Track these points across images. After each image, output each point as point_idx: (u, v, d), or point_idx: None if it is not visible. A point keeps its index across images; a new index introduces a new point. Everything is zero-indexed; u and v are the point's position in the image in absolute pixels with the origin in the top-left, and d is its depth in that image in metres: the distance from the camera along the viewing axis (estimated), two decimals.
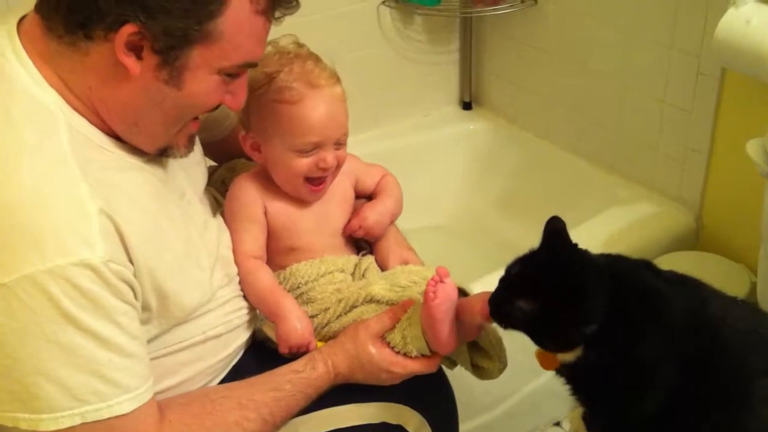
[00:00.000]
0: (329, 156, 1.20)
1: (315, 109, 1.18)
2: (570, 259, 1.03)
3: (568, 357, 1.04)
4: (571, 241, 1.04)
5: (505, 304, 1.03)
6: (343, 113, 1.21)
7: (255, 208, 1.23)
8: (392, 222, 1.34)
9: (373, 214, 1.29)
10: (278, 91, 1.18)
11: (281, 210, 1.25)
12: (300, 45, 1.23)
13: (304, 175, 1.21)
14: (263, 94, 1.19)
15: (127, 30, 0.91)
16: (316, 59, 1.21)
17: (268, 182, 1.25)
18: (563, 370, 1.09)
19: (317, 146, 1.19)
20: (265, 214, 1.24)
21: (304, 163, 1.20)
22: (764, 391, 0.99)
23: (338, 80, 1.21)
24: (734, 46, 1.49)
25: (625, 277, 1.05)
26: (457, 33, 2.41)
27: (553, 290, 1.00)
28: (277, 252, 1.25)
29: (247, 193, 1.24)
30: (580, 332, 0.99)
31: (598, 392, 1.09)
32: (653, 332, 1.04)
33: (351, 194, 1.32)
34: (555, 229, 1.04)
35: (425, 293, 1.09)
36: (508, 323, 1.05)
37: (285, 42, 1.22)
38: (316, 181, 1.23)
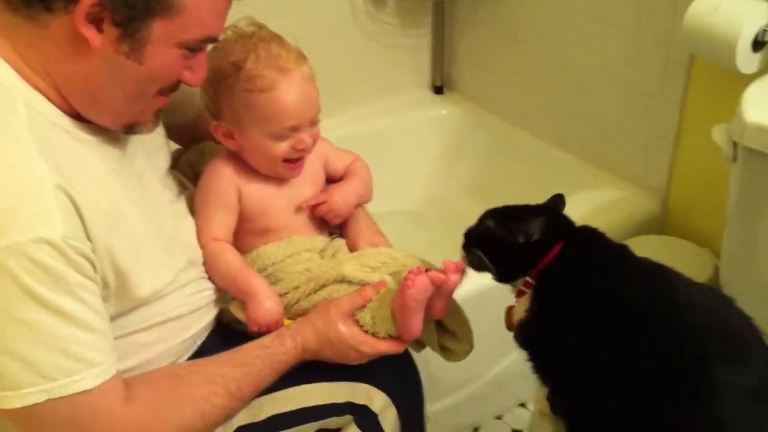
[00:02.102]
0: (306, 137, 1.21)
1: (288, 93, 1.17)
2: (538, 208, 1.19)
3: (520, 310, 1.14)
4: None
5: (473, 228, 1.20)
6: (314, 92, 1.21)
7: (229, 193, 1.23)
8: (359, 205, 1.35)
9: (338, 192, 1.30)
10: (249, 80, 1.17)
11: (255, 193, 1.24)
12: (260, 26, 1.22)
13: (282, 158, 1.21)
14: (233, 84, 1.18)
15: (88, 1, 0.90)
16: (280, 40, 1.21)
17: (242, 165, 1.24)
18: (519, 333, 1.15)
19: (294, 129, 1.20)
20: (240, 198, 1.24)
21: (282, 147, 1.20)
22: (725, 376, 1.00)
23: (305, 59, 1.21)
24: (702, 32, 1.51)
25: (586, 240, 1.16)
26: (429, 16, 2.40)
27: (509, 215, 1.18)
28: (251, 233, 1.25)
29: (222, 178, 1.24)
30: (514, 242, 1.13)
31: (547, 360, 1.14)
32: (598, 307, 1.08)
33: (322, 176, 1.33)
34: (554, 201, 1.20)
35: (403, 280, 1.10)
36: (472, 244, 1.19)
37: (243, 24, 1.21)
38: (295, 161, 1.23)
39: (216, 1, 0.99)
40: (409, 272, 1.10)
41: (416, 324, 1.12)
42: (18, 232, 0.87)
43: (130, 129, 1.06)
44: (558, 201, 1.22)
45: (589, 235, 1.18)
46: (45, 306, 0.90)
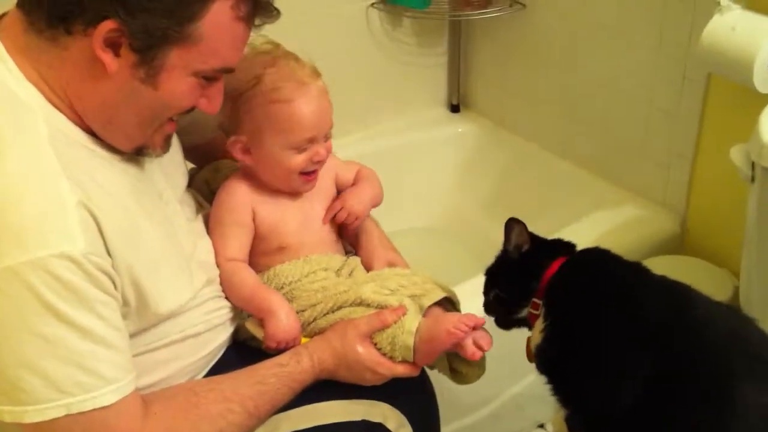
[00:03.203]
0: (322, 149, 1.22)
1: (308, 106, 1.19)
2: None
3: (536, 333, 1.15)
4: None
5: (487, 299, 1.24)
6: (329, 106, 1.23)
7: (244, 213, 1.24)
8: (373, 206, 1.35)
9: (352, 196, 1.31)
10: (270, 92, 1.19)
11: (270, 211, 1.25)
12: (275, 45, 1.24)
13: (299, 171, 1.23)
14: (252, 97, 1.20)
15: (106, 26, 0.92)
16: (295, 57, 1.23)
17: (256, 184, 1.25)
18: (538, 358, 1.16)
19: (311, 141, 1.21)
20: (254, 217, 1.24)
21: (300, 159, 1.21)
22: (745, 395, 1.00)
23: (319, 74, 1.23)
24: (719, 51, 1.51)
25: (589, 255, 1.18)
26: (445, 36, 2.42)
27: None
28: (265, 253, 1.26)
29: (236, 197, 1.25)
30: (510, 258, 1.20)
31: (563, 383, 1.14)
32: (614, 322, 1.09)
33: (334, 191, 1.34)
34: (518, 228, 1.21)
35: (458, 324, 1.12)
36: (494, 313, 1.24)
37: (259, 42, 1.23)
38: (311, 174, 1.25)
39: (234, 33, 1.00)
40: (464, 321, 1.12)
41: (437, 356, 1.16)
42: (40, 247, 0.88)
43: (140, 151, 1.07)
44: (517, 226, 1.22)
45: (593, 252, 1.18)
46: (65, 321, 0.90)
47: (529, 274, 1.17)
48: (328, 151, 1.24)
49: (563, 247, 1.21)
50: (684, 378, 1.02)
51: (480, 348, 1.13)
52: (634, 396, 1.04)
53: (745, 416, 1.00)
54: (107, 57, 0.94)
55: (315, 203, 1.30)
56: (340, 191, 1.34)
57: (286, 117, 1.19)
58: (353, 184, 1.35)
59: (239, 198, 1.24)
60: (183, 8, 0.94)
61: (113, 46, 0.94)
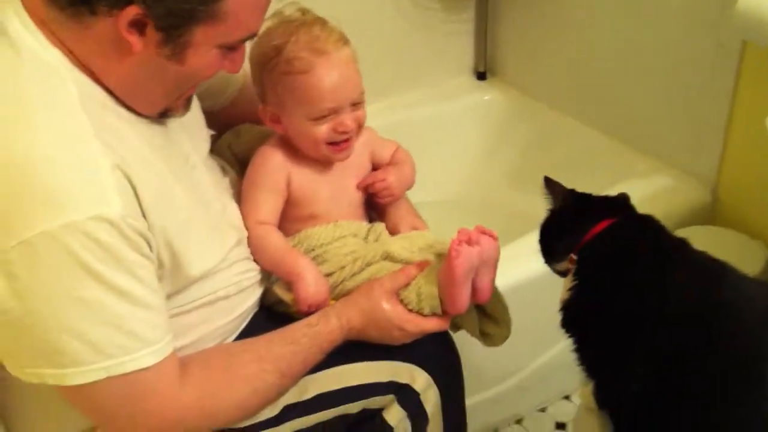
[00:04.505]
0: (347, 119, 1.21)
1: (326, 75, 1.18)
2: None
3: (564, 290, 1.15)
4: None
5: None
6: (354, 74, 1.21)
7: (279, 178, 1.24)
8: (407, 189, 1.36)
9: (395, 174, 1.31)
10: (287, 63, 1.18)
11: (304, 179, 1.25)
12: (304, 11, 1.23)
13: (325, 141, 1.22)
14: (274, 68, 1.19)
15: (132, 11, 0.91)
16: (323, 23, 1.21)
17: (292, 151, 1.25)
18: (562, 314, 1.16)
19: (333, 111, 1.20)
20: (288, 184, 1.25)
21: (323, 129, 1.20)
22: None
23: (346, 42, 1.21)
24: (756, 17, 1.47)
25: (637, 222, 1.17)
26: (472, 2, 2.37)
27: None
28: (296, 219, 1.26)
29: (272, 163, 1.25)
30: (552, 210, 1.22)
31: (590, 348, 1.13)
32: (636, 293, 1.08)
33: (369, 165, 1.34)
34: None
35: (449, 251, 1.11)
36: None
37: (289, 11, 1.22)
38: (340, 144, 1.23)
39: (258, 4, 0.99)
40: (452, 242, 1.11)
41: (464, 297, 1.13)
42: (77, 210, 0.88)
43: (163, 114, 1.08)
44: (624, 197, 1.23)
45: (637, 219, 1.16)
46: (104, 283, 0.91)
47: (572, 231, 1.16)
48: (358, 120, 1.23)
49: (616, 206, 1.19)
50: (715, 357, 1.00)
51: (486, 233, 1.13)
52: (658, 372, 1.03)
53: None
54: (133, 38, 0.93)
55: (349, 175, 1.30)
56: (374, 168, 1.34)
57: (303, 88, 1.18)
58: (390, 163, 1.34)
59: (276, 163, 1.25)
60: None
61: (138, 25, 0.93)
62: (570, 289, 1.14)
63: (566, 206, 1.21)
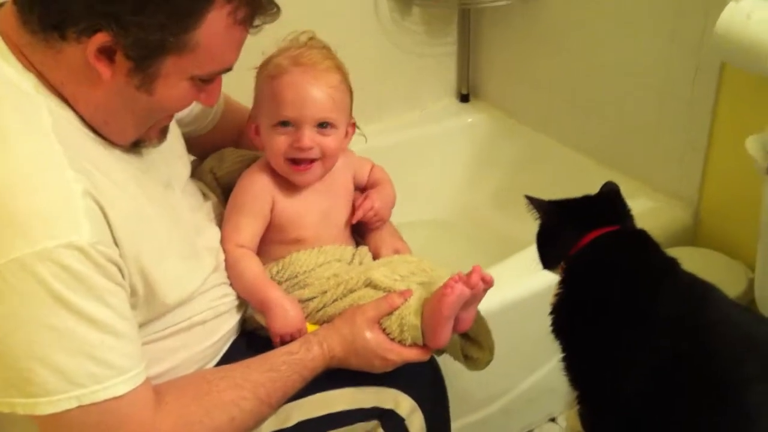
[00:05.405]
0: (305, 137, 1.20)
1: (293, 83, 1.19)
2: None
3: (552, 298, 1.17)
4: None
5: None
6: (327, 98, 1.20)
7: (263, 202, 1.24)
8: (392, 208, 1.36)
9: (380, 198, 1.32)
10: (263, 66, 1.21)
11: (289, 203, 1.25)
12: (313, 37, 1.24)
13: (283, 155, 1.21)
14: (259, 74, 1.22)
15: (100, 38, 0.91)
16: (324, 49, 1.23)
17: (277, 175, 1.25)
18: (551, 318, 1.17)
19: (294, 123, 1.20)
20: (273, 208, 1.24)
21: (281, 140, 1.20)
22: (758, 397, 0.99)
23: (338, 70, 1.22)
24: (734, 40, 1.48)
25: (625, 236, 1.19)
26: (455, 25, 2.39)
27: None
28: (282, 243, 1.26)
29: (257, 186, 1.25)
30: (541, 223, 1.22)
31: (573, 354, 1.14)
32: (617, 308, 1.10)
33: (352, 188, 1.34)
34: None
35: (444, 287, 1.10)
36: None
37: (303, 38, 1.24)
38: (300, 164, 1.22)
39: (231, 37, 0.98)
40: (450, 279, 1.10)
41: (446, 333, 1.12)
42: (47, 238, 0.88)
43: (137, 144, 1.07)
44: (611, 189, 1.24)
45: (624, 235, 1.17)
46: (74, 312, 0.90)
47: (559, 243, 1.19)
48: (323, 146, 1.21)
49: (605, 220, 1.19)
50: (694, 377, 1.01)
51: (485, 282, 1.11)
52: (637, 389, 1.03)
53: (757, 419, 0.98)
54: (101, 66, 0.93)
55: (334, 198, 1.29)
56: (356, 188, 1.34)
57: (270, 91, 1.20)
58: (369, 182, 1.35)
59: (260, 187, 1.24)
60: (177, 21, 0.93)
61: (108, 53, 0.93)
62: (556, 295, 1.16)
63: (550, 219, 1.23)
